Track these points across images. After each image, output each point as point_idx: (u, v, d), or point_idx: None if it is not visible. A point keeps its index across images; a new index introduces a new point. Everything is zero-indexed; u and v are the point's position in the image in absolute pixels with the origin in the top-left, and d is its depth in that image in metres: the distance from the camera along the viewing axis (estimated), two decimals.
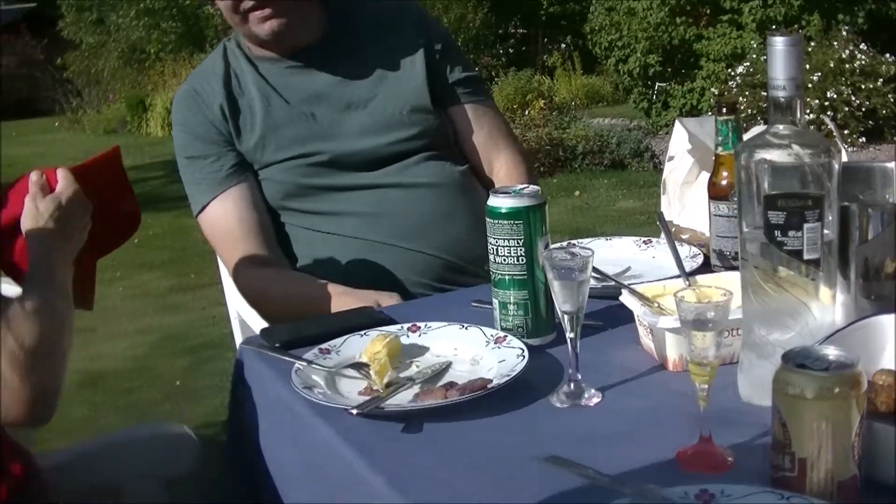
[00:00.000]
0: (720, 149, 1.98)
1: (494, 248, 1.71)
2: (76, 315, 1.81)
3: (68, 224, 1.89)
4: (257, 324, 2.52)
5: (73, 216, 1.90)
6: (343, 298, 2.19)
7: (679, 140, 2.36)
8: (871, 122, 11.01)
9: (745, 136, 2.02)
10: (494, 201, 1.72)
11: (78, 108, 19.88)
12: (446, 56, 2.57)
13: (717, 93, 11.78)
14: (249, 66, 2.51)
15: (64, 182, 1.93)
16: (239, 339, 2.87)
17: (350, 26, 2.54)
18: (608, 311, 1.80)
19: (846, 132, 10.90)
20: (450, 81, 2.55)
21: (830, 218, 1.42)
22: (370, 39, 2.52)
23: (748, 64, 11.62)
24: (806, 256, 1.40)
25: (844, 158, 2.32)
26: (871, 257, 1.57)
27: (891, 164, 1.85)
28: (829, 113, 3.37)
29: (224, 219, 2.44)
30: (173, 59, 18.67)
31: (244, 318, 2.74)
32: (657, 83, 13.19)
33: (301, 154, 2.42)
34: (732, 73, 11.78)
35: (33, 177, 1.94)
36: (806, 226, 1.40)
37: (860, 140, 10.96)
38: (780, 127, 1.43)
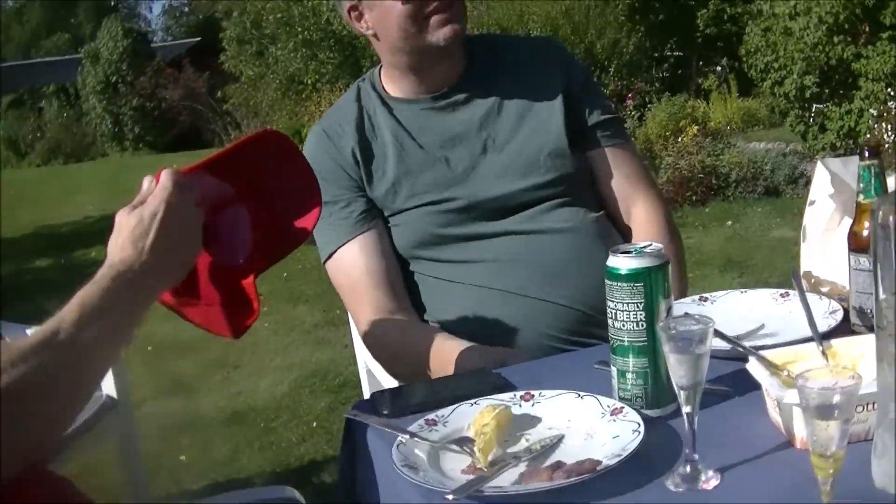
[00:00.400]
0: (862, 196, 1.84)
1: (613, 311, 1.61)
2: (224, 349, 1.69)
3: (154, 248, 1.60)
4: (383, 373, 2.46)
5: (163, 235, 1.61)
6: (468, 354, 2.12)
7: (821, 183, 2.21)
8: None
9: (891, 180, 1.89)
10: (614, 261, 1.61)
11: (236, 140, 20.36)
12: (586, 98, 2.48)
13: (875, 114, 11.44)
14: (383, 107, 2.46)
15: (159, 190, 1.65)
16: (366, 387, 2.83)
17: (489, 65, 2.48)
18: (737, 375, 1.66)
19: None
20: (589, 124, 2.46)
21: None
22: (509, 79, 2.46)
23: None
24: None
25: None
26: None
27: None
28: None
29: (352, 267, 2.39)
30: (330, 90, 18.96)
31: (370, 366, 2.69)
32: (814, 105, 12.88)
33: (434, 201, 2.36)
34: (893, 94, 11.43)
35: (144, 184, 1.70)
36: None
37: None
38: None
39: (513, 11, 16.33)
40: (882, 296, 1.32)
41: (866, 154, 1.82)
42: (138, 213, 1.62)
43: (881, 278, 1.32)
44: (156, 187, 1.66)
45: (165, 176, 1.66)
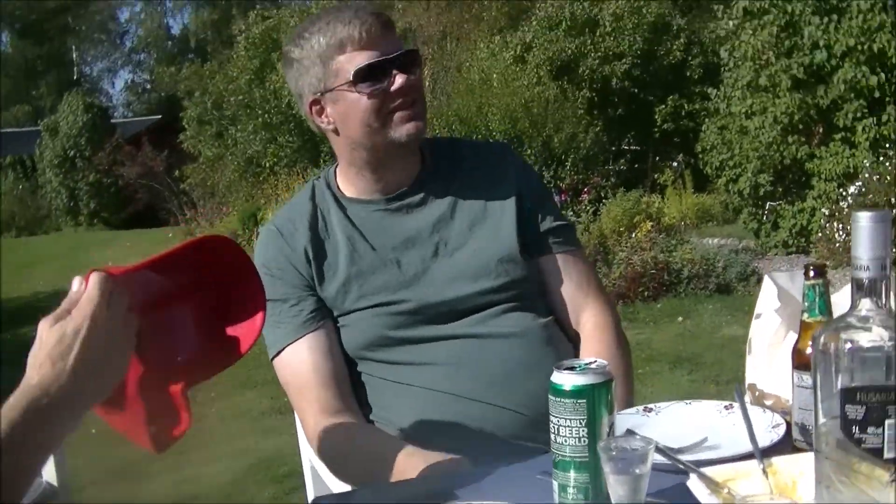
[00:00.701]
0: (806, 315, 1.86)
1: (556, 426, 1.60)
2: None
3: (74, 369, 1.46)
4: (327, 471, 2.44)
5: (86, 355, 1.47)
6: (411, 460, 2.10)
7: (768, 296, 2.23)
8: None
9: (835, 297, 1.91)
10: (558, 378, 1.61)
11: (192, 220, 20.34)
12: (539, 205, 2.51)
13: (827, 213, 11.64)
14: (338, 207, 2.47)
15: (84, 302, 1.51)
16: (310, 484, 2.80)
17: (444, 169, 2.50)
18: (679, 489, 1.64)
19: None
20: (541, 230, 2.49)
21: None
22: (463, 183, 2.48)
23: (860, 183, 11.48)
24: (887, 455, 1.30)
25: None
26: None
27: None
28: None
29: (299, 365, 2.38)
30: (288, 173, 19.02)
31: (314, 464, 2.67)
32: (768, 203, 13.07)
33: (384, 303, 2.36)
34: (844, 193, 11.63)
35: (73, 285, 1.54)
36: (888, 422, 1.31)
37: None
38: (864, 309, 1.33)
39: (472, 104, 16.50)
40: (822, 420, 1.34)
41: (811, 273, 1.85)
42: (61, 327, 1.48)
43: (820, 401, 1.34)
44: (83, 296, 1.52)
45: (93, 284, 1.52)
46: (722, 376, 6.80)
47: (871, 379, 1.30)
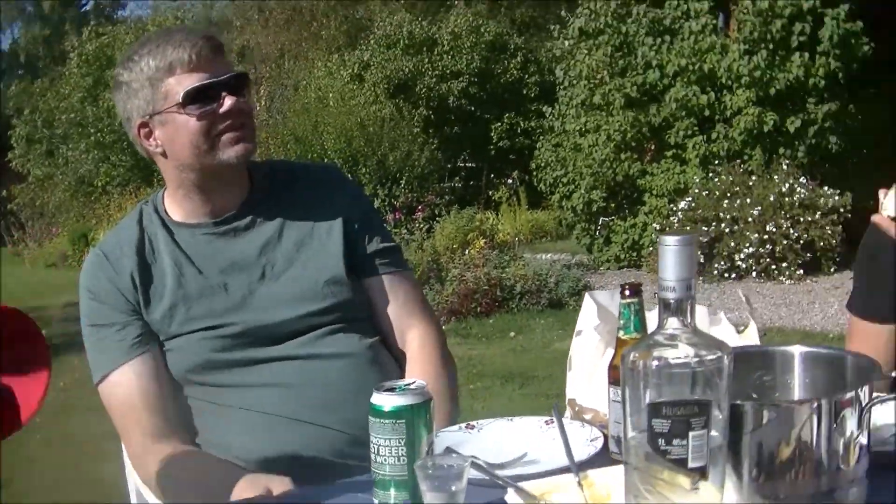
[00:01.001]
0: (622, 332, 1.92)
1: (376, 446, 1.62)
2: None
3: None
4: (152, 497, 2.41)
5: None
6: (237, 483, 2.09)
7: (588, 314, 2.30)
8: (809, 254, 11.32)
9: (650, 315, 1.98)
10: (377, 399, 1.63)
11: (20, 241, 19.79)
12: (366, 226, 2.52)
13: (658, 228, 12.00)
14: (165, 231, 2.44)
15: None
16: None
17: (272, 192, 2.49)
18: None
19: (784, 265, 11.13)
20: (368, 252, 2.50)
21: (721, 417, 1.37)
22: (290, 206, 2.48)
23: (690, 199, 11.86)
24: (691, 465, 1.36)
25: (755, 336, 2.28)
26: (763, 455, 1.50)
27: (790, 348, 1.82)
28: (741, 292, 3.39)
29: (124, 390, 2.34)
30: (120, 193, 18.69)
31: (140, 488, 2.63)
32: (600, 218, 13.38)
33: (210, 326, 2.35)
34: (674, 209, 12.00)
35: None
36: (691, 434, 1.36)
37: (798, 272, 11.20)
38: (671, 327, 1.39)
39: (308, 122, 16.49)
40: (631, 433, 1.39)
41: (627, 292, 1.91)
42: None
43: (629, 415, 1.39)
44: None
45: None
46: (553, 390, 6.90)
47: (677, 394, 1.35)
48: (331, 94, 17.72)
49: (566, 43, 14.24)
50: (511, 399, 6.98)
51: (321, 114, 16.69)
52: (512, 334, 9.35)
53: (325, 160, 14.61)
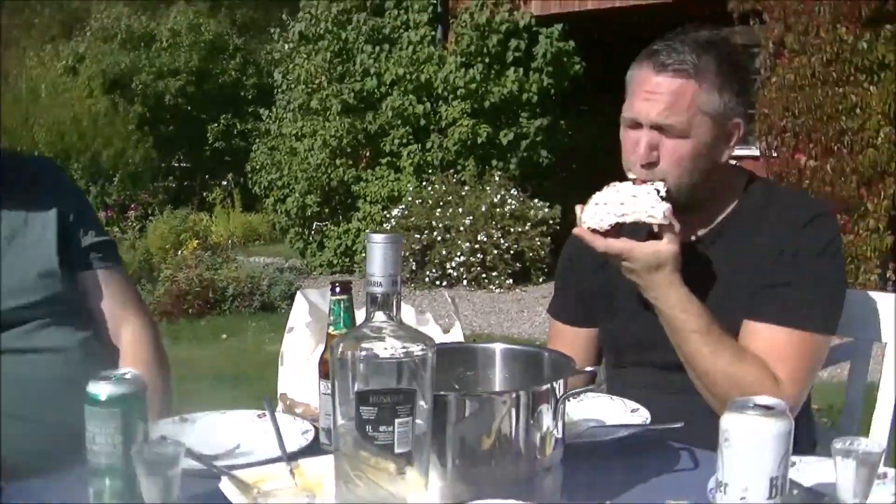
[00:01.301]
0: (332, 328, 2.01)
1: (92, 435, 1.63)
2: None
3: None
4: None
5: None
6: None
7: (299, 312, 2.38)
8: (518, 264, 11.63)
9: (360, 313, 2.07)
10: (93, 388, 1.64)
11: None
12: (80, 220, 2.51)
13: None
14: None
15: None
16: None
17: None
18: (212, 494, 1.72)
19: (494, 274, 11.46)
20: (82, 246, 2.49)
21: (426, 407, 1.46)
22: (5, 200, 2.42)
23: (404, 207, 12.05)
24: (397, 450, 1.44)
25: (459, 333, 2.41)
26: (465, 444, 1.61)
27: (492, 345, 1.94)
28: (445, 293, 3.52)
29: None
30: None
31: None
32: (314, 223, 13.43)
33: None
34: (388, 216, 12.17)
35: None
36: (397, 421, 1.44)
37: (507, 282, 11.53)
38: (378, 320, 1.47)
39: (18, 114, 15.86)
40: (340, 421, 1.47)
41: (337, 290, 2.00)
42: None
43: (339, 404, 1.47)
44: None
45: None
46: (264, 392, 6.89)
47: (384, 384, 1.44)
48: (43, 86, 17.10)
49: (286, 46, 14.25)
50: (223, 400, 6.91)
51: (32, 106, 16.09)
52: (224, 336, 9.30)
53: (37, 154, 14.10)
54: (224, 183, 18.30)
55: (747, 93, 2.39)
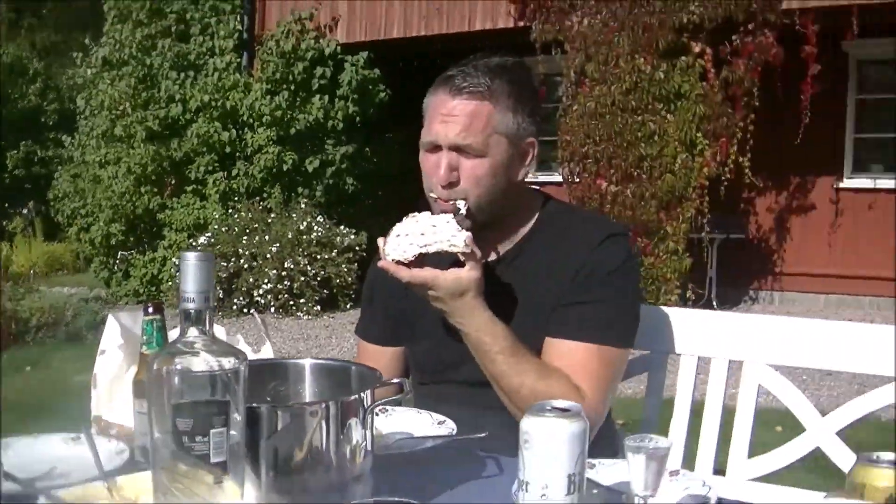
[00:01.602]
0: (145, 347, 2.04)
1: None
2: None
3: None
4: None
5: None
6: None
7: (111, 334, 2.39)
8: (325, 290, 11.65)
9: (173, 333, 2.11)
10: None
11: None
12: None
13: (177, 262, 11.95)
14: None
15: None
16: None
17: None
18: None
19: (302, 300, 11.45)
20: None
21: (239, 418, 1.52)
22: None
23: (210, 234, 11.96)
24: (213, 460, 1.49)
25: (269, 352, 2.46)
26: (279, 454, 1.67)
27: (301, 360, 2.00)
28: (254, 313, 3.55)
29: None
30: None
31: None
32: (119, 252, 13.20)
33: None
34: (195, 244, 12.04)
35: None
36: (212, 431, 1.49)
37: (315, 308, 11.54)
38: (192, 336, 1.52)
39: None
40: (157, 435, 1.52)
41: (150, 310, 2.04)
42: None
43: (155, 419, 1.52)
44: None
45: None
46: (76, 419, 6.77)
47: (198, 396, 1.50)
48: None
49: (89, 71, 13.98)
50: (33, 429, 6.75)
51: None
52: (28, 368, 9.06)
53: None
54: (25, 211, 17.82)
55: (539, 113, 2.51)
